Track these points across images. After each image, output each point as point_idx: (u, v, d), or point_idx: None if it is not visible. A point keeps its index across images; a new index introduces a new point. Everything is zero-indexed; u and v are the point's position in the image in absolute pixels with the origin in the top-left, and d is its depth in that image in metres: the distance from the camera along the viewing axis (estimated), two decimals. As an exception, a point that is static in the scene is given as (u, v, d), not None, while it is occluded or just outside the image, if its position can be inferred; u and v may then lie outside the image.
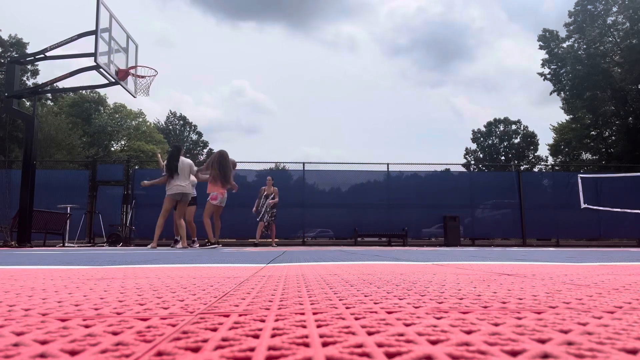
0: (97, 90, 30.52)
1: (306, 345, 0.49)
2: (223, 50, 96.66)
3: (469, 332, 0.56)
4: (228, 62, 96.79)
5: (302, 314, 0.71)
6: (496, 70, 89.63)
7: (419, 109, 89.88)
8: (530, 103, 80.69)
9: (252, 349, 0.47)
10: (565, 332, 0.56)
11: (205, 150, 56.69)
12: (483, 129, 52.93)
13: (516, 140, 51.66)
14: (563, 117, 37.04)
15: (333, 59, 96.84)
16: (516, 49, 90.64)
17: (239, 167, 13.68)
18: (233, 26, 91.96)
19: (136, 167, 15.02)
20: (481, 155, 52.07)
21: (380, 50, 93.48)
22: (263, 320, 0.65)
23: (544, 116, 76.96)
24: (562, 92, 32.71)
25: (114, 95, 78.55)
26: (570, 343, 0.50)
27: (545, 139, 67.53)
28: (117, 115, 44.32)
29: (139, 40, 9.83)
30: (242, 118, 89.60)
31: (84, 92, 40.43)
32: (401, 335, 0.54)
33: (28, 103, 26.11)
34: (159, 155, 9.00)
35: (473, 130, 53.31)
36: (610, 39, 30.41)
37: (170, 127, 55.97)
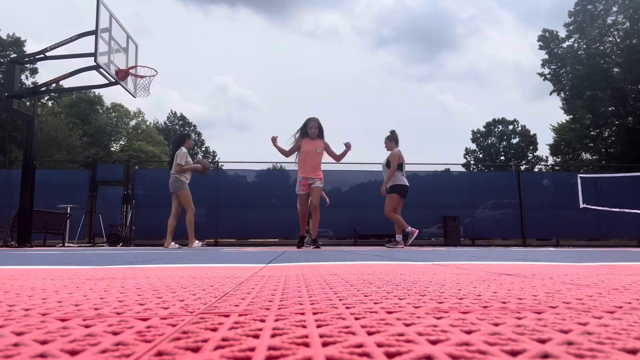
0: (95, 90, 30.56)
1: (306, 345, 0.49)
2: (203, 44, 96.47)
3: (469, 332, 0.56)
4: (209, 56, 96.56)
5: (302, 314, 0.71)
6: (487, 62, 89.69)
7: (411, 106, 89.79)
8: (525, 99, 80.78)
9: (252, 349, 0.47)
10: (565, 332, 0.56)
11: (202, 149, 56.73)
12: (482, 129, 53.02)
13: (515, 140, 51.72)
14: (563, 117, 37.07)
15: (316, 51, 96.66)
16: (507, 39, 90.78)
17: (238, 167, 13.70)
18: (204, 11, 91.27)
19: (136, 167, 15.02)
20: (481, 155, 52.12)
21: (365, 42, 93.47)
22: (263, 320, 0.65)
23: (539, 112, 77.07)
24: (562, 92, 32.71)
25: (112, 95, 78.63)
26: (570, 343, 0.50)
27: (543, 136, 67.59)
28: (113, 115, 44.33)
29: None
30: (231, 114, 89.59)
31: (80, 92, 40.50)
32: (401, 335, 0.54)
33: (28, 103, 26.13)
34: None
35: (472, 131, 53.42)
36: (610, 39, 30.42)
37: (171, 126, 56.03)
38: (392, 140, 7.75)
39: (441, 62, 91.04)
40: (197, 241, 7.83)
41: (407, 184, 7.61)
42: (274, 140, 7.16)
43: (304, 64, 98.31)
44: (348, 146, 7.07)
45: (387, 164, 7.56)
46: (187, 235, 7.67)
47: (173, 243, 7.63)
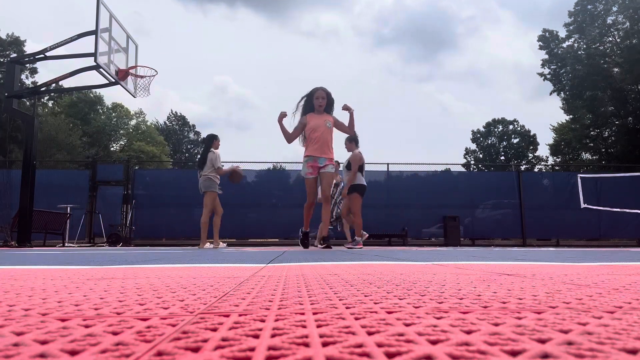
0: (95, 90, 30.59)
1: (306, 345, 0.49)
2: (203, 44, 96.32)
3: (469, 332, 0.56)
4: (209, 56, 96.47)
5: (302, 314, 0.71)
6: (487, 62, 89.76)
7: (411, 106, 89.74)
8: (525, 99, 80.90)
9: (252, 349, 0.47)
10: (565, 332, 0.56)
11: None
12: (482, 129, 53.04)
13: (515, 140, 51.73)
14: (563, 117, 37.09)
15: (315, 51, 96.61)
16: (507, 39, 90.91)
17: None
18: (203, 11, 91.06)
19: (136, 167, 15.02)
20: (481, 155, 52.12)
21: (365, 42, 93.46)
22: (263, 320, 0.65)
23: (539, 112, 77.22)
24: (562, 92, 32.72)
25: (112, 95, 78.64)
26: (570, 343, 0.50)
27: (543, 136, 67.70)
28: (113, 115, 44.36)
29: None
30: (231, 114, 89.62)
31: (80, 92, 40.51)
32: (401, 335, 0.54)
33: (28, 103, 26.14)
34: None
35: (472, 131, 53.46)
36: (610, 39, 30.42)
37: (171, 126, 56.02)
38: (352, 141, 7.69)
39: (441, 62, 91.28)
40: (209, 243, 7.83)
41: (365, 184, 7.66)
42: (281, 117, 5.92)
43: (303, 63, 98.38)
44: (347, 108, 5.98)
45: (348, 165, 7.50)
46: (200, 236, 7.68)
47: (221, 242, 7.75)
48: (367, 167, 13.71)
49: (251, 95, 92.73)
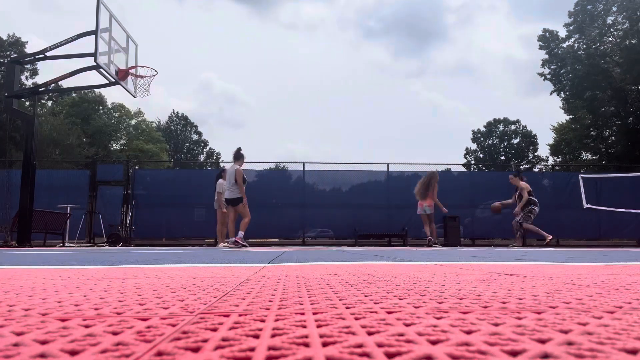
0: (97, 90, 30.56)
1: (306, 345, 0.49)
2: (184, 39, 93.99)
3: (469, 332, 0.56)
4: (193, 52, 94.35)
5: (302, 314, 0.71)
6: (486, 61, 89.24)
7: (410, 106, 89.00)
8: (525, 98, 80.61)
9: (252, 349, 0.47)
10: (565, 332, 0.56)
11: (205, 149, 56.62)
12: (483, 128, 53.05)
13: (516, 140, 51.74)
14: (563, 117, 37.09)
15: (302, 44, 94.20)
16: (509, 38, 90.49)
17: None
18: (203, 6, 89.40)
19: (136, 167, 15.02)
20: (481, 155, 52.13)
21: (354, 35, 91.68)
22: (263, 320, 0.65)
23: (539, 112, 77.09)
24: (562, 92, 32.72)
25: (113, 95, 78.25)
26: (570, 343, 0.49)
27: (543, 136, 67.62)
28: (115, 114, 44.38)
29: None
30: (222, 110, 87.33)
31: (82, 92, 40.46)
32: (401, 335, 0.54)
33: (27, 103, 26.13)
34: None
35: (473, 131, 53.46)
36: (610, 39, 30.42)
37: (172, 127, 55.98)
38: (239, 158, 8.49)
39: (440, 62, 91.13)
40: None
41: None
42: None
43: (290, 57, 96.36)
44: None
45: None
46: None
47: (226, 243, 8.23)
48: (367, 167, 13.89)
49: (240, 92, 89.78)
